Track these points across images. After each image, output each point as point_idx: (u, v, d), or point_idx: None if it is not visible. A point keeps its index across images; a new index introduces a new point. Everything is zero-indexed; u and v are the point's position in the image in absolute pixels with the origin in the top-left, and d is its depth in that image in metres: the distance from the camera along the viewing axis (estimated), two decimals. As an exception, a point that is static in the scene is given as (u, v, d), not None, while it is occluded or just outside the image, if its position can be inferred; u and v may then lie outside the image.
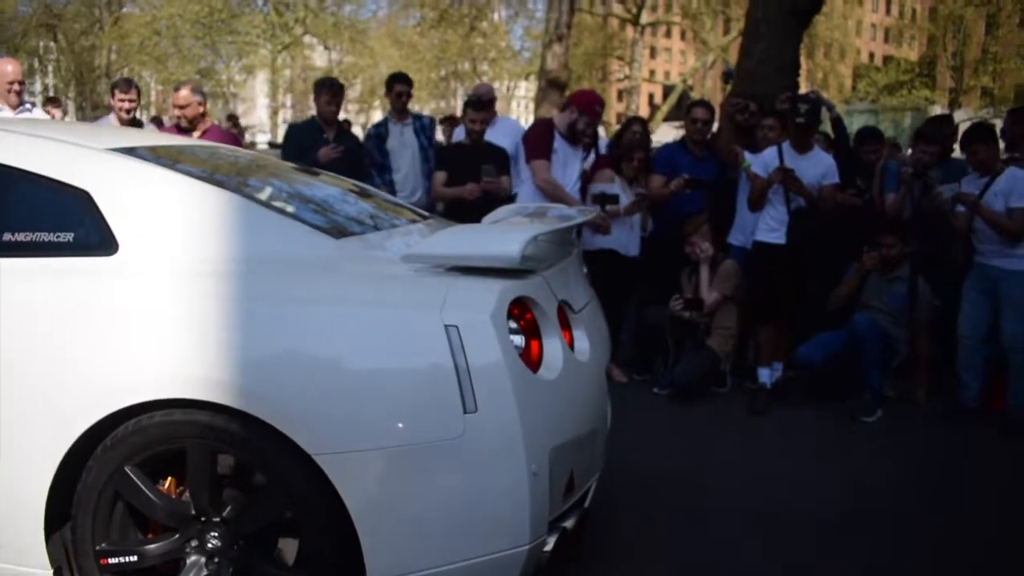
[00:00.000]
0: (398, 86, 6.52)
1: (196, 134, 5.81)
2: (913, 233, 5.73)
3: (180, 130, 5.90)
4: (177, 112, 5.94)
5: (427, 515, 2.36)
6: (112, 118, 6.45)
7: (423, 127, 6.55)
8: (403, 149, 6.40)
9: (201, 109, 5.98)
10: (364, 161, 6.32)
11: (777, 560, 3.42)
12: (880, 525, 3.77)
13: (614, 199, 5.80)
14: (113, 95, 6.40)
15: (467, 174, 5.93)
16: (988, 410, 5.28)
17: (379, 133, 6.46)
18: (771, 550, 3.51)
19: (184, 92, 5.94)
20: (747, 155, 5.78)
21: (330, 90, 6.34)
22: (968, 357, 5.35)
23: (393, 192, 6.13)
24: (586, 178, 6.09)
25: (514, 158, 6.17)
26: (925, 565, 3.44)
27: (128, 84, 6.51)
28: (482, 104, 6.16)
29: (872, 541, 3.62)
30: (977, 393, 5.33)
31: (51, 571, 2.56)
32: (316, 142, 6.14)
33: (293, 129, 7.44)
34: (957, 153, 6.45)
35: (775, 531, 3.67)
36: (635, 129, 6.74)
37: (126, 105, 6.29)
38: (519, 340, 2.52)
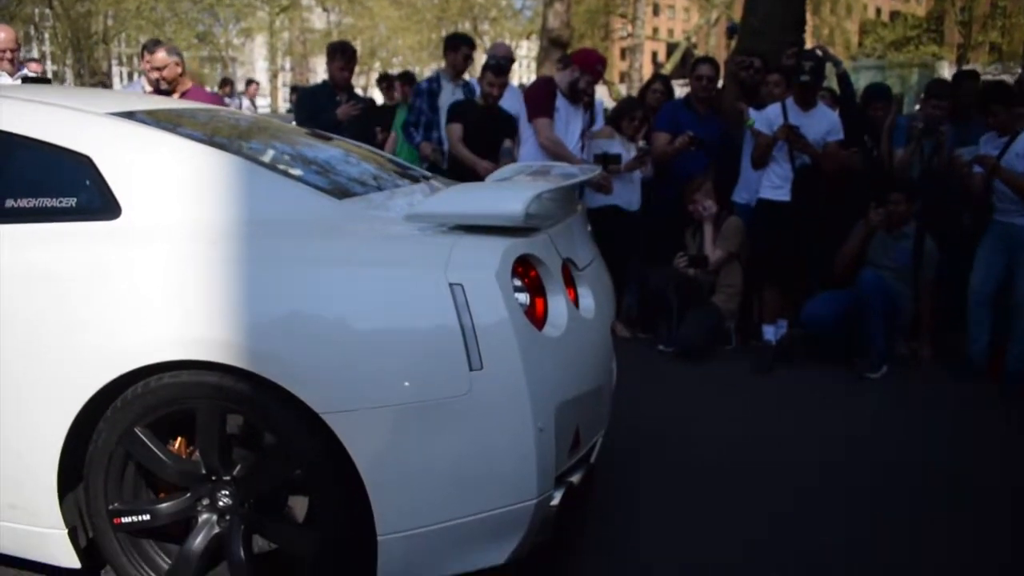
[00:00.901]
0: (464, 48, 6.49)
1: (176, 95, 5.77)
2: (920, 191, 5.73)
3: (160, 93, 5.85)
4: (155, 75, 5.89)
5: (434, 472, 2.39)
6: (143, 82, 6.37)
7: (471, 91, 6.54)
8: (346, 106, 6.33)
9: (179, 70, 5.93)
10: (405, 121, 6.27)
11: (781, 513, 3.47)
12: (882, 479, 3.82)
13: (616, 159, 5.80)
14: (143, 57, 6.22)
15: (479, 137, 5.90)
16: (993, 369, 5.31)
17: (431, 89, 6.41)
18: (774, 504, 3.55)
19: (160, 54, 5.89)
20: (751, 112, 5.76)
21: (343, 55, 6.33)
22: (978, 312, 5.36)
23: (442, 152, 6.16)
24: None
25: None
26: (927, 520, 3.49)
27: (155, 45, 6.22)
28: (502, 69, 6.06)
29: (875, 495, 3.67)
30: (984, 348, 5.36)
31: (66, 531, 2.60)
32: (330, 105, 6.15)
33: (305, 93, 7.42)
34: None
35: (778, 486, 3.72)
36: (656, 88, 6.71)
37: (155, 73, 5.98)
38: (524, 298, 2.53)
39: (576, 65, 5.87)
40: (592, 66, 5.89)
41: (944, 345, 5.70)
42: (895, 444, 4.25)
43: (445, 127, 6.11)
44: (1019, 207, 5.09)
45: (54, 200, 2.62)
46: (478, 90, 6.35)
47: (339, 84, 6.33)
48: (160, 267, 2.49)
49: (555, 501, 2.52)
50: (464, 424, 2.37)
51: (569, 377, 2.60)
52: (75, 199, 2.61)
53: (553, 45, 13.73)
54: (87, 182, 2.61)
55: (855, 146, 5.89)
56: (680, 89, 7.83)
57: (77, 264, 2.52)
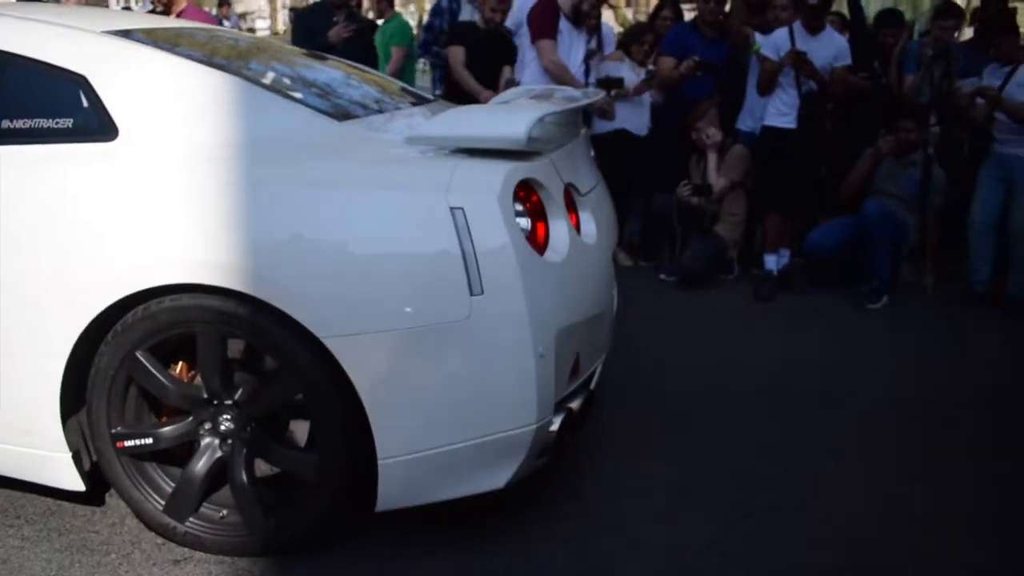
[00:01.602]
0: None
1: (172, 15, 5.68)
2: (930, 118, 5.67)
3: (156, 13, 5.74)
4: None
5: (435, 396, 2.41)
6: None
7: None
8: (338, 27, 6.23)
9: None
10: (422, 41, 6.17)
11: (780, 439, 3.50)
12: (879, 407, 3.85)
13: (619, 83, 5.72)
14: None
15: (481, 61, 5.80)
16: (995, 297, 5.33)
17: (452, 8, 6.29)
18: (773, 430, 3.59)
19: None
20: (758, 37, 5.66)
21: None
22: (979, 242, 5.39)
23: None
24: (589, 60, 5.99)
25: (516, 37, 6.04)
26: (925, 447, 3.52)
27: None
28: None
29: (870, 423, 3.70)
30: (986, 277, 5.38)
31: (69, 454, 2.63)
32: (326, 25, 6.03)
33: (301, 14, 7.30)
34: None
35: (777, 412, 3.75)
36: (665, 15, 6.59)
37: None
38: (525, 222, 2.52)
39: None
40: None
41: (947, 274, 5.70)
42: (893, 373, 4.27)
43: (447, 48, 6.01)
44: (1019, 138, 5.07)
45: (50, 121, 2.59)
46: None
47: (336, 3, 6.21)
48: (158, 190, 2.47)
49: (554, 427, 2.54)
50: (464, 349, 2.37)
51: (570, 303, 2.59)
52: (71, 120, 2.58)
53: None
54: (83, 102, 2.58)
55: (864, 72, 5.80)
56: (689, 13, 7.68)
57: (74, 187, 2.50)
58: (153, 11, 5.80)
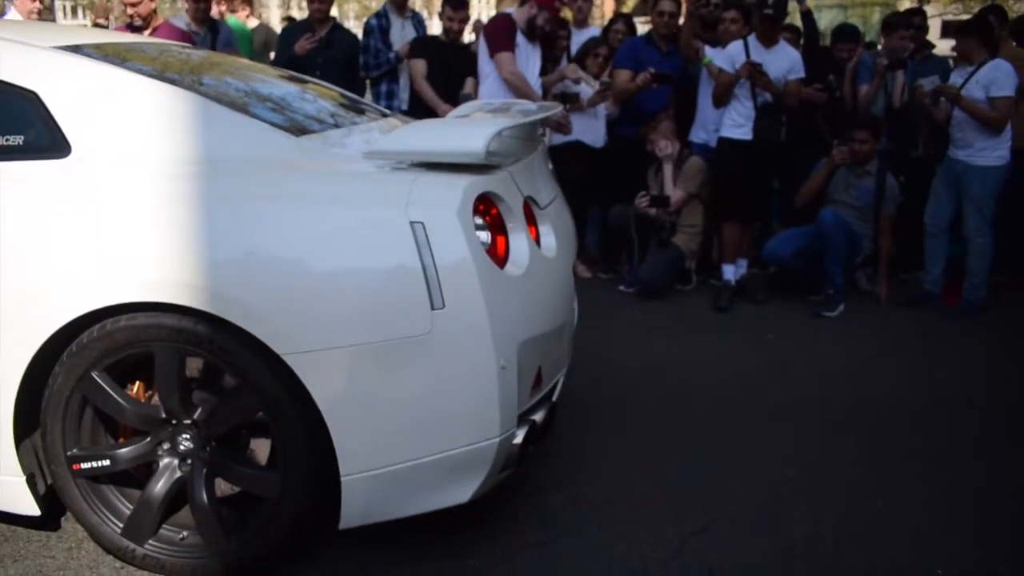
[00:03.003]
0: None
1: (147, 32, 5.68)
2: (884, 129, 5.80)
3: (133, 29, 5.76)
4: (130, 11, 5.79)
5: (397, 411, 2.40)
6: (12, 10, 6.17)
7: (419, 23, 6.47)
8: (404, 43, 6.29)
9: (153, 6, 5.86)
10: (362, 63, 6.22)
11: (737, 449, 3.54)
12: (837, 414, 3.91)
13: (574, 98, 5.78)
14: None
15: (442, 74, 5.86)
16: (949, 300, 5.45)
17: (381, 25, 6.32)
18: (734, 440, 3.62)
19: None
20: (708, 50, 5.75)
21: None
22: (931, 244, 5.54)
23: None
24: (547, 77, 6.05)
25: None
26: (887, 451, 3.58)
27: None
28: (460, 2, 6.03)
29: (831, 429, 3.75)
30: (938, 278, 5.54)
31: (24, 478, 2.58)
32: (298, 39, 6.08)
33: (285, 32, 7.28)
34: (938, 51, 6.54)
35: (737, 422, 3.79)
36: (618, 28, 6.66)
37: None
38: (485, 236, 2.53)
39: (534, 2, 5.80)
40: (550, 3, 5.82)
41: (901, 283, 5.81)
42: (851, 380, 4.33)
43: (408, 63, 6.04)
44: (970, 141, 5.21)
45: (0, 138, 2.55)
46: (422, 19, 6.36)
47: (315, 18, 6.22)
48: (112, 207, 2.43)
49: (518, 439, 2.54)
50: (426, 363, 2.37)
51: (531, 316, 2.60)
52: (22, 137, 2.54)
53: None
54: (34, 119, 2.54)
55: (820, 84, 5.91)
56: (642, 27, 7.77)
57: (26, 205, 2.46)
58: (130, 27, 5.78)
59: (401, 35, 6.27)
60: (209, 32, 6.26)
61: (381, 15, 6.44)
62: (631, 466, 3.37)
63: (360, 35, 6.49)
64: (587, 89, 5.89)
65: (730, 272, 5.72)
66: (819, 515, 3.05)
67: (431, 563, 2.72)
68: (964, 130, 5.23)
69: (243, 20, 8.16)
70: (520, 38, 5.77)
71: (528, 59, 5.83)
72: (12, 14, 6.18)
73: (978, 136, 5.18)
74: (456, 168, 2.50)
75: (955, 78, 5.42)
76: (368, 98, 6.40)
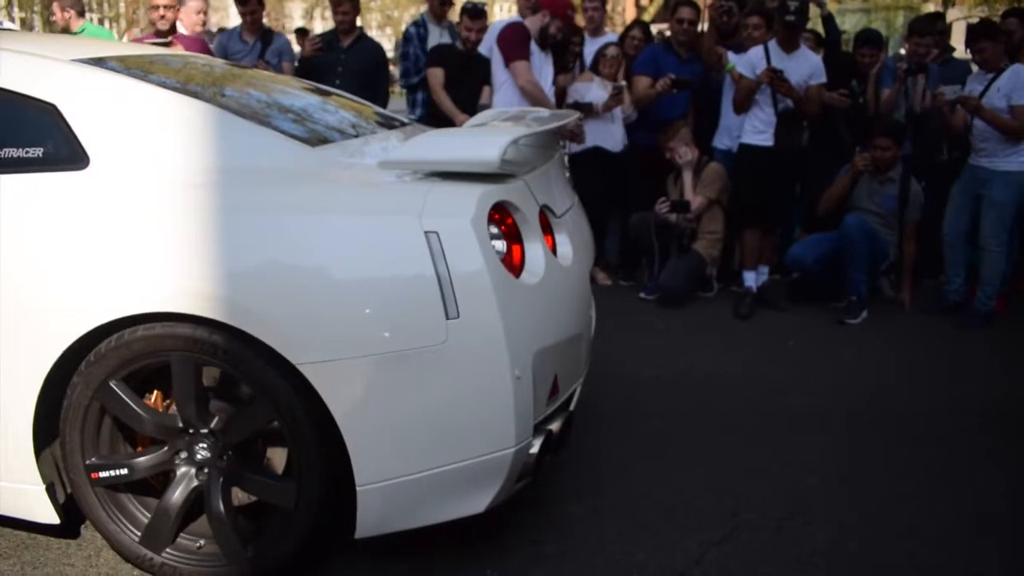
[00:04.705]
0: None
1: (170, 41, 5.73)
2: (907, 135, 5.75)
3: (159, 34, 5.80)
4: (158, 14, 5.84)
5: (413, 421, 2.39)
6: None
7: (454, 32, 6.49)
8: None
9: (179, 13, 5.92)
10: (402, 70, 6.24)
11: (758, 458, 3.51)
12: (858, 425, 3.87)
13: (587, 108, 5.77)
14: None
15: (460, 82, 5.88)
16: (970, 307, 5.39)
17: (420, 33, 6.39)
18: (756, 448, 3.59)
19: None
20: (731, 56, 5.72)
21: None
22: (951, 253, 5.50)
23: None
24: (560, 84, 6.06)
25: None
26: (909, 461, 3.53)
27: None
28: (479, 12, 6.04)
29: (853, 440, 3.71)
30: (959, 288, 5.48)
31: (43, 487, 2.60)
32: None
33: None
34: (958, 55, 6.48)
35: (760, 430, 3.76)
36: (634, 35, 6.65)
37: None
38: (501, 245, 2.52)
39: (546, 10, 5.80)
40: (562, 11, 5.83)
41: (925, 289, 5.75)
42: (874, 388, 4.29)
43: (426, 70, 6.06)
44: (993, 148, 5.14)
45: (20, 151, 2.57)
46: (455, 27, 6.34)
47: (340, 28, 6.28)
48: (130, 218, 2.45)
49: (534, 449, 2.53)
50: (441, 373, 2.37)
51: (547, 325, 2.59)
52: (42, 149, 2.56)
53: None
54: (53, 131, 2.56)
55: (842, 90, 5.87)
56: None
57: (45, 216, 2.48)
58: (157, 32, 5.84)
59: (439, 43, 6.32)
60: (259, 42, 6.33)
61: (420, 24, 6.52)
62: (650, 475, 3.35)
63: (383, 44, 6.54)
64: (600, 94, 5.87)
65: (751, 279, 5.68)
66: (841, 524, 3.02)
67: (448, 573, 2.71)
68: (986, 140, 5.17)
69: None
70: (533, 46, 5.78)
71: (541, 68, 5.84)
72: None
73: (1001, 145, 5.12)
74: (471, 177, 2.50)
75: (973, 85, 5.35)
76: (403, 106, 6.45)
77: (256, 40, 6.34)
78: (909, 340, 5.05)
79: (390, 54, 7.17)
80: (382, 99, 6.13)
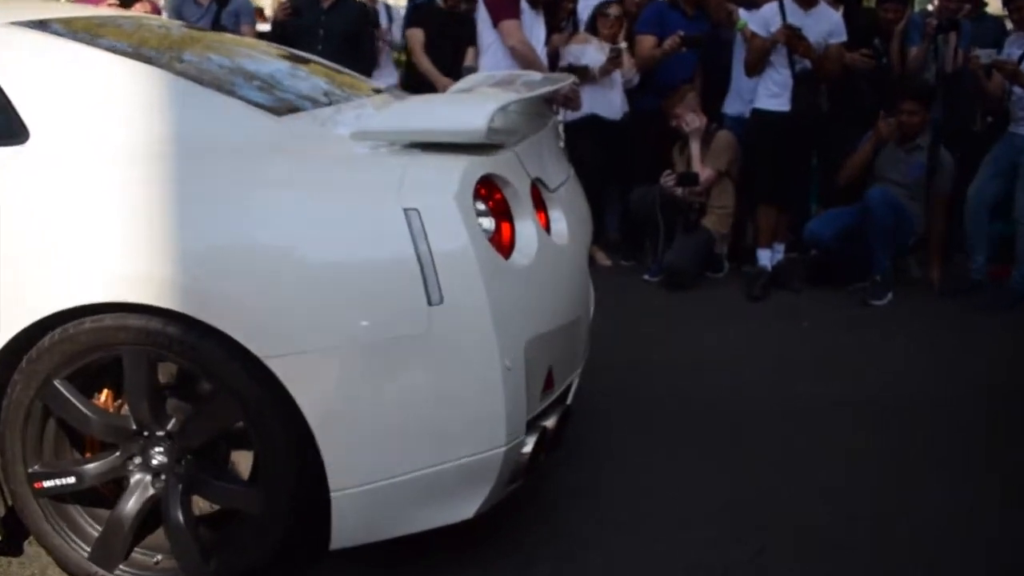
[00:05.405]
0: None
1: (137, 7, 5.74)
2: (936, 99, 5.67)
3: (122, 4, 5.81)
4: None
5: (392, 419, 2.36)
6: None
7: None
8: None
9: None
10: (368, 37, 6.19)
11: (774, 449, 3.49)
12: (887, 409, 3.86)
13: (583, 71, 5.71)
14: None
15: (442, 44, 5.83)
16: (993, 280, 5.42)
17: None
18: (772, 437, 3.59)
19: None
20: (742, 13, 5.67)
21: None
22: (974, 225, 5.48)
23: None
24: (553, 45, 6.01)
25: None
26: (938, 448, 3.52)
27: None
28: None
29: (873, 429, 3.70)
30: (982, 266, 5.48)
31: (-20, 499, 2.56)
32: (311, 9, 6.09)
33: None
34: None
35: (776, 418, 3.76)
36: None
37: None
38: (488, 223, 2.48)
39: None
40: None
41: (954, 267, 5.73)
42: (900, 373, 4.28)
43: (404, 31, 6.01)
44: None
45: (-52, 124, 2.52)
46: None
47: None
48: (75, 197, 2.40)
49: (527, 448, 2.50)
50: (423, 365, 2.34)
51: (540, 310, 2.56)
52: (-26, 122, 2.51)
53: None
54: (-13, 102, 2.51)
55: (864, 49, 5.82)
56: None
57: (-22, 196, 2.43)
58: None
59: (417, 1, 6.29)
60: (215, 3, 6.28)
61: None
62: (654, 472, 3.33)
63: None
64: (597, 57, 5.81)
65: (765, 257, 5.65)
66: (877, 511, 3.04)
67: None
68: (1020, 108, 5.12)
69: None
70: (523, 4, 5.73)
71: (532, 27, 5.79)
72: None
73: None
74: (455, 148, 2.46)
75: (1011, 50, 5.29)
76: (393, 72, 6.39)
77: (211, 2, 6.28)
78: (937, 324, 5.04)
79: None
80: (368, 65, 6.05)
